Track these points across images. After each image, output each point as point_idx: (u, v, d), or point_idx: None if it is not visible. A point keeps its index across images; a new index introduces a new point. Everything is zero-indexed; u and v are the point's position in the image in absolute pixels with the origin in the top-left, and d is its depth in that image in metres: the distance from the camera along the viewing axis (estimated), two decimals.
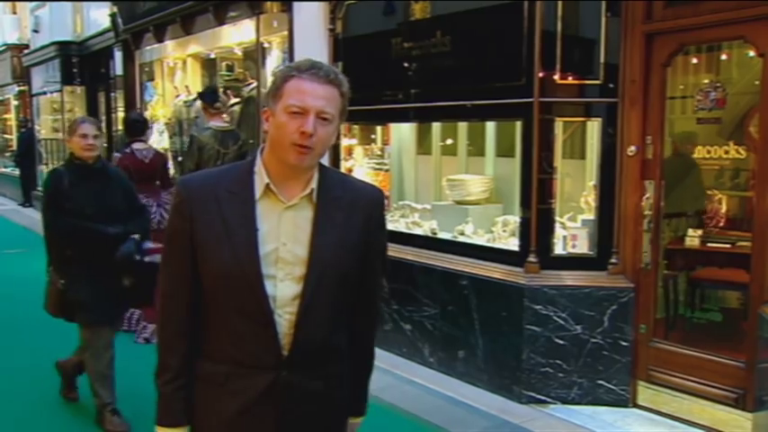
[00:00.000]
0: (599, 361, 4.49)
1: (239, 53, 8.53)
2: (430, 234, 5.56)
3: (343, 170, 6.02)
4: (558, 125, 4.60)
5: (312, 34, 6.27)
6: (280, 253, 1.75)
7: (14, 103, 18.50)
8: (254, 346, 1.75)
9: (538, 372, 4.57)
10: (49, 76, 14.30)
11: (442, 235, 5.49)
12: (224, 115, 7.41)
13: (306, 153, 1.70)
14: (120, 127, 8.18)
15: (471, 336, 4.92)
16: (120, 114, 10.90)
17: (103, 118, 12.85)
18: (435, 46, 5.24)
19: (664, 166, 4.59)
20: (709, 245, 4.70)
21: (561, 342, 4.51)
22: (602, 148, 4.54)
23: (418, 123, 6.16)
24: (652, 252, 4.43)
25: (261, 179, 1.76)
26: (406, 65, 5.50)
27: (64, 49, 13.26)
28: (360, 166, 6.48)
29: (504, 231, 5.13)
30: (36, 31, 14.74)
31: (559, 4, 4.46)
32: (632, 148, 4.41)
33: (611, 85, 4.45)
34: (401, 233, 5.63)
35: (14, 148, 17.96)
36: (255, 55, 7.58)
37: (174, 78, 10.01)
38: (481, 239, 5.27)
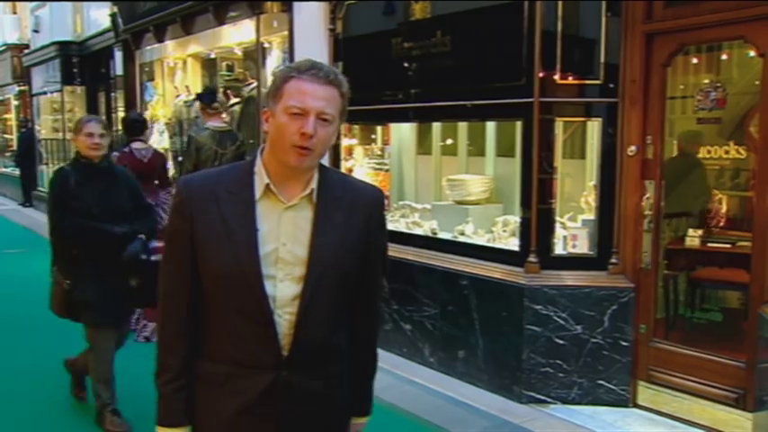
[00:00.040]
0: (599, 361, 4.50)
1: (239, 53, 8.54)
2: (430, 234, 5.56)
3: (343, 170, 6.03)
4: (559, 125, 4.60)
5: (312, 34, 6.27)
6: (279, 253, 1.75)
7: (15, 102, 18.51)
8: (253, 346, 1.75)
9: (538, 372, 4.57)
10: (49, 76, 14.31)
11: (443, 235, 5.49)
12: (224, 115, 7.41)
13: (306, 154, 1.70)
14: (120, 127, 8.19)
15: (471, 336, 4.92)
16: (121, 114, 10.90)
17: (104, 118, 12.86)
18: (435, 46, 5.24)
19: (668, 165, 4.59)
20: (710, 245, 4.70)
21: (561, 342, 4.51)
22: (602, 148, 4.54)
23: (418, 123, 6.16)
24: (652, 252, 4.43)
25: (261, 179, 1.76)
26: (406, 65, 5.50)
27: (64, 48, 13.26)
28: (360, 166, 6.48)
29: (505, 231, 5.14)
30: (36, 31, 14.75)
31: (560, 3, 4.46)
32: (632, 147, 4.41)
33: (612, 85, 4.45)
34: (401, 233, 5.63)
35: (15, 148, 17.97)
36: (256, 55, 7.58)
37: (174, 78, 10.01)
38: (481, 239, 5.27)
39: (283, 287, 1.74)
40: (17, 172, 16.59)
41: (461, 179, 5.71)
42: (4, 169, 18.83)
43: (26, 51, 15.70)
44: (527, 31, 4.53)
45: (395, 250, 5.18)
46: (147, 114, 10.13)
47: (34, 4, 15.06)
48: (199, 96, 7.13)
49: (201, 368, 1.82)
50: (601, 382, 4.51)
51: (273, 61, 7.28)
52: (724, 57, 4.97)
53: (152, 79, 10.45)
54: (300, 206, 1.77)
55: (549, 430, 4.28)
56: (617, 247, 4.52)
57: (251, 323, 1.74)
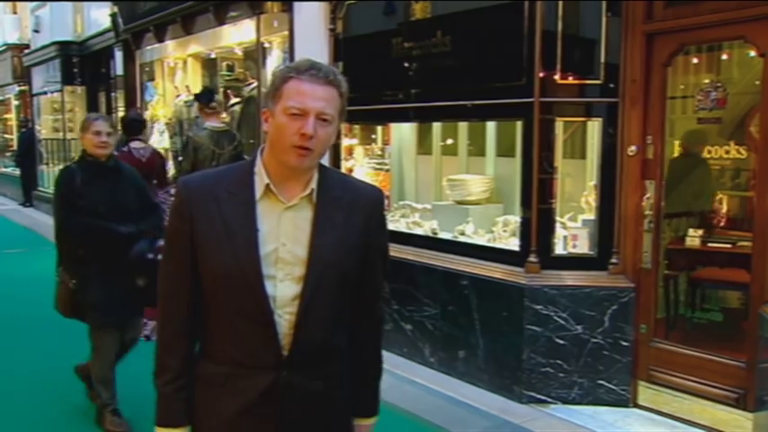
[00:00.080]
0: (599, 361, 4.49)
1: (240, 53, 8.54)
2: (430, 234, 5.56)
3: (343, 170, 6.03)
4: (559, 125, 4.60)
5: (312, 34, 6.27)
6: (279, 253, 1.74)
7: (15, 102, 18.52)
8: (254, 346, 1.75)
9: (538, 372, 4.57)
10: (49, 76, 14.31)
11: (443, 235, 5.49)
12: (223, 115, 7.41)
13: (306, 155, 1.70)
14: (119, 126, 8.21)
15: (472, 336, 4.92)
16: (121, 114, 10.90)
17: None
18: (436, 46, 5.24)
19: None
20: (710, 245, 4.70)
21: (562, 342, 4.51)
22: (602, 148, 4.54)
23: (419, 123, 6.16)
24: (653, 252, 4.43)
25: (261, 180, 1.76)
26: (406, 65, 5.50)
27: (64, 48, 13.27)
28: (360, 165, 6.48)
29: (505, 231, 5.14)
30: (36, 31, 14.75)
31: (560, 3, 4.46)
32: (633, 147, 4.41)
33: (612, 85, 4.45)
34: (402, 233, 5.63)
35: (15, 147, 17.97)
36: (256, 55, 7.59)
37: (174, 78, 10.02)
38: (482, 239, 5.27)
39: (283, 287, 1.74)
40: (17, 172, 16.59)
41: (462, 179, 5.71)
42: (4, 169, 18.84)
43: (26, 51, 15.71)
44: (527, 30, 4.53)
45: (395, 250, 5.18)
46: (148, 114, 10.15)
47: (34, 4, 15.07)
48: (197, 96, 7.14)
49: (202, 368, 1.82)
50: (601, 382, 4.51)
51: (274, 61, 7.28)
52: (724, 57, 4.96)
53: (152, 79, 10.46)
54: (300, 206, 1.77)
55: (550, 430, 4.28)
56: (617, 247, 4.52)
57: (251, 323, 1.74)
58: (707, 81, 4.56)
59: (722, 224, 4.95)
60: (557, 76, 4.51)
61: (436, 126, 6.25)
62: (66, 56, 13.32)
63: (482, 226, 5.39)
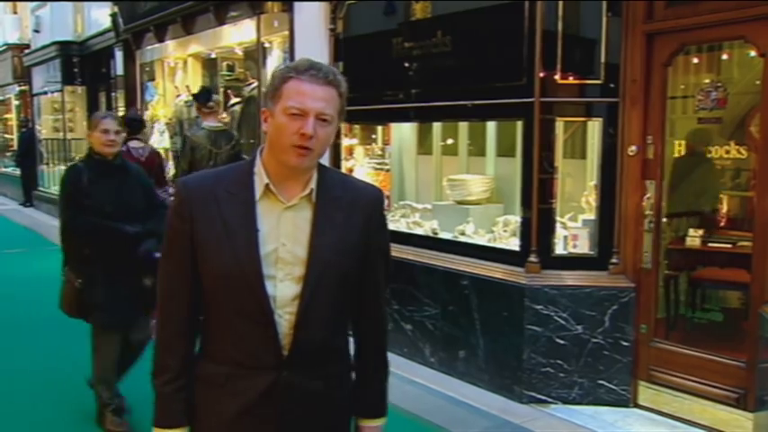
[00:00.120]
0: (600, 361, 4.49)
1: (240, 53, 8.55)
2: (431, 234, 5.56)
3: (343, 170, 6.03)
4: (559, 125, 4.60)
5: (313, 34, 6.28)
6: (279, 253, 1.74)
7: (15, 102, 18.53)
8: (254, 346, 1.75)
9: (539, 372, 4.57)
10: (49, 76, 14.31)
11: (443, 235, 5.49)
12: (223, 114, 7.40)
13: (305, 154, 1.70)
14: None
15: (472, 336, 4.92)
16: (121, 114, 10.91)
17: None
18: (436, 46, 5.24)
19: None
20: (710, 245, 4.70)
21: (562, 342, 4.51)
22: (602, 148, 4.54)
23: (419, 123, 6.16)
24: (653, 252, 4.43)
25: (260, 180, 1.76)
26: (406, 65, 5.50)
27: (65, 48, 13.27)
28: (360, 165, 6.48)
29: (505, 231, 5.13)
30: (37, 31, 14.75)
31: (560, 3, 4.46)
32: (633, 147, 4.41)
33: (612, 85, 4.45)
34: (402, 233, 5.63)
35: (15, 147, 17.98)
36: (256, 55, 7.59)
37: (174, 78, 10.02)
38: (482, 239, 5.27)
39: (283, 287, 1.74)
40: (18, 172, 16.59)
41: (462, 179, 5.71)
42: (4, 169, 18.85)
43: (27, 51, 15.71)
44: (528, 31, 4.53)
45: (395, 250, 5.13)
46: (148, 114, 10.15)
47: (35, 3, 15.07)
48: (194, 96, 7.16)
49: (202, 368, 1.82)
50: (601, 382, 4.51)
51: (274, 61, 7.28)
52: (725, 56, 4.96)
53: (153, 79, 10.46)
54: (300, 206, 1.77)
55: (550, 430, 4.28)
56: (617, 246, 4.52)
57: (251, 323, 1.74)
58: (707, 81, 4.56)
59: (723, 224, 4.95)
60: (557, 76, 4.51)
61: (436, 126, 6.25)
62: (66, 56, 13.32)
63: (482, 226, 5.39)
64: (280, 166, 1.74)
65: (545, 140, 4.55)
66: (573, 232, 4.72)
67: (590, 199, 4.77)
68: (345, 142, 6.37)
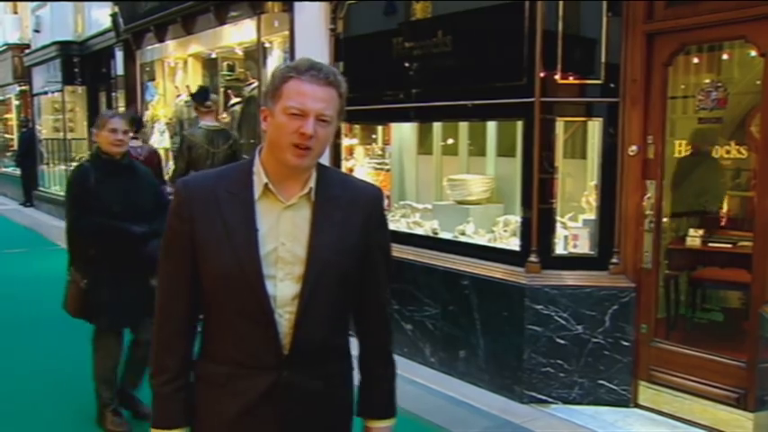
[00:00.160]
0: (600, 361, 4.49)
1: (240, 53, 8.55)
2: (431, 234, 5.56)
3: (344, 170, 6.02)
4: (559, 125, 4.60)
5: (313, 34, 6.28)
6: (279, 253, 1.74)
7: (15, 102, 18.53)
8: (254, 346, 1.75)
9: (539, 372, 4.57)
10: (50, 76, 14.32)
11: (443, 235, 5.49)
12: (224, 114, 7.40)
13: (305, 154, 1.70)
14: None
15: (472, 336, 4.92)
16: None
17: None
18: (436, 46, 5.24)
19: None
20: (711, 245, 4.70)
21: (562, 342, 4.51)
22: (603, 148, 4.54)
23: (419, 123, 6.16)
24: (653, 252, 4.43)
25: (259, 179, 1.76)
26: (407, 65, 5.50)
27: (65, 48, 13.27)
28: (361, 165, 6.48)
29: (505, 231, 5.13)
30: (37, 31, 14.76)
31: (560, 3, 4.46)
32: (633, 147, 4.41)
33: (612, 85, 4.45)
34: (402, 233, 5.63)
35: (15, 147, 17.98)
36: (256, 55, 7.59)
37: (175, 78, 10.02)
38: (482, 239, 5.27)
39: (283, 286, 1.74)
40: (18, 172, 16.60)
41: (462, 179, 5.71)
42: (4, 169, 18.86)
43: (27, 51, 15.71)
44: (528, 30, 4.53)
45: (396, 250, 5.13)
46: (148, 114, 10.15)
47: (35, 3, 15.07)
48: (192, 95, 7.17)
49: (202, 368, 1.82)
50: (602, 381, 4.51)
51: (274, 61, 7.28)
52: (725, 56, 4.96)
53: (153, 79, 10.47)
54: (299, 205, 1.77)
55: (551, 430, 4.28)
56: (618, 246, 4.52)
57: (252, 323, 1.74)
58: (707, 81, 4.56)
59: (723, 224, 4.95)
60: (557, 76, 4.51)
61: (437, 126, 6.25)
62: (66, 56, 13.32)
63: (483, 226, 5.39)
64: (279, 165, 1.74)
65: (545, 140, 4.55)
66: (573, 232, 4.72)
67: (590, 199, 4.77)
68: (345, 142, 6.37)
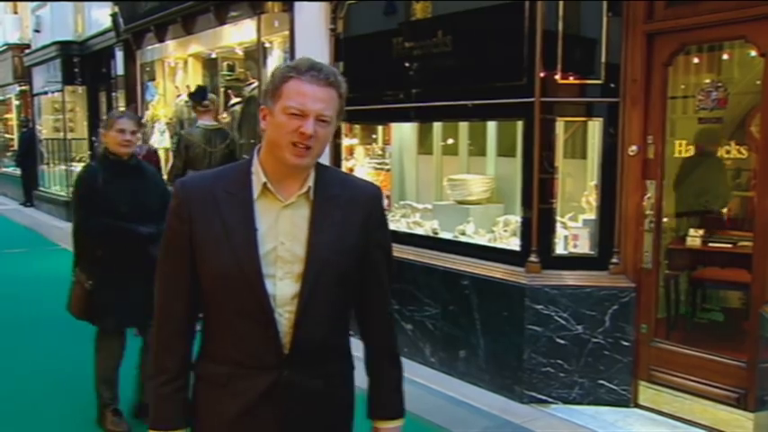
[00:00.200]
0: (600, 361, 4.49)
1: (240, 53, 8.55)
2: (431, 234, 5.56)
3: (344, 170, 6.02)
4: (560, 125, 4.60)
5: (313, 34, 6.27)
6: (278, 252, 1.74)
7: (16, 102, 18.53)
8: (254, 346, 1.75)
9: (539, 372, 4.56)
10: (50, 76, 14.31)
11: (444, 235, 5.49)
12: (224, 114, 7.40)
13: (305, 153, 1.70)
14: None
15: (472, 336, 4.92)
16: None
17: (104, 118, 12.86)
18: (436, 46, 5.24)
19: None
20: (711, 245, 4.70)
21: (562, 342, 4.51)
22: (603, 148, 4.54)
23: (419, 123, 6.16)
24: (653, 252, 4.43)
25: (258, 179, 1.76)
26: (407, 65, 5.50)
27: (65, 48, 13.27)
28: (361, 165, 6.48)
29: (506, 231, 5.13)
30: (37, 31, 14.76)
31: (560, 3, 4.45)
32: (633, 147, 4.41)
33: (613, 85, 4.45)
34: (402, 233, 5.63)
35: (16, 147, 17.98)
36: (257, 55, 7.59)
37: (175, 78, 10.02)
38: (482, 239, 5.27)
39: (283, 285, 1.74)
40: (18, 172, 16.60)
41: (462, 179, 5.71)
42: (5, 169, 18.86)
43: (27, 51, 15.71)
44: (528, 30, 4.53)
45: (396, 250, 5.12)
46: (149, 114, 10.15)
47: (35, 3, 15.07)
48: (189, 95, 7.18)
49: (204, 368, 1.82)
50: (602, 381, 4.51)
51: (274, 61, 7.28)
52: (725, 56, 4.96)
53: (153, 79, 10.46)
54: (298, 204, 1.77)
55: (551, 430, 4.28)
56: (618, 246, 4.52)
57: (251, 323, 1.74)
58: (708, 81, 4.56)
59: (724, 224, 4.95)
60: (557, 76, 4.50)
61: (437, 126, 6.25)
62: (66, 56, 13.32)
63: (483, 226, 5.38)
64: (278, 164, 1.74)
65: (545, 140, 4.55)
66: (573, 232, 4.72)
67: (590, 199, 4.77)
68: (346, 142, 6.37)
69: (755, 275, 3.99)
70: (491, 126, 5.76)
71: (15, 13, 17.43)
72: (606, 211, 4.54)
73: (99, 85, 13.12)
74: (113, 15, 10.73)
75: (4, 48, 17.36)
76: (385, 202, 2.01)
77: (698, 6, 4.12)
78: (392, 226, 5.19)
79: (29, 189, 15.96)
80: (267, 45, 7.35)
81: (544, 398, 4.57)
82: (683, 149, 4.69)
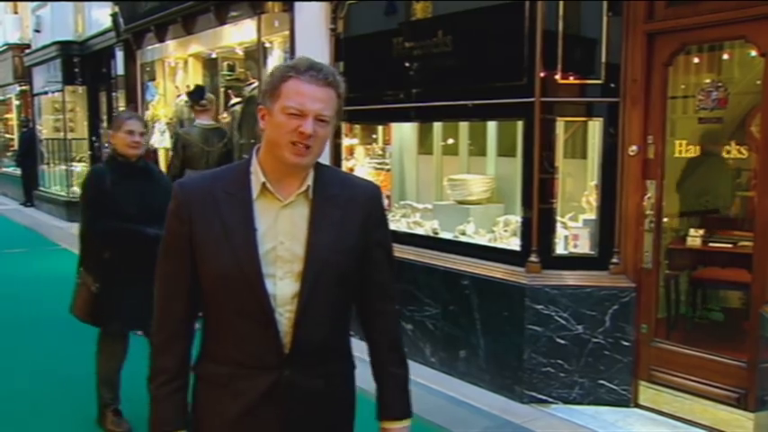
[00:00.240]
0: (600, 361, 4.49)
1: (240, 53, 8.55)
2: (431, 234, 5.56)
3: (344, 170, 6.02)
4: (560, 125, 4.60)
5: (313, 34, 6.27)
6: (278, 251, 1.74)
7: (16, 102, 18.53)
8: (254, 346, 1.75)
9: (539, 372, 4.56)
10: (50, 76, 14.32)
11: (444, 235, 5.49)
12: (224, 114, 7.40)
13: (304, 153, 1.70)
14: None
15: (473, 336, 4.92)
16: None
17: (105, 118, 12.89)
18: (437, 46, 5.24)
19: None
20: (711, 245, 4.70)
21: (563, 342, 4.51)
22: (603, 148, 4.54)
23: (419, 123, 6.16)
24: (653, 252, 4.43)
25: (257, 179, 1.76)
26: (407, 64, 5.50)
27: (65, 48, 13.27)
28: (361, 165, 6.48)
29: (506, 231, 5.13)
30: (37, 31, 14.76)
31: (561, 3, 4.45)
32: (634, 147, 4.41)
33: (613, 85, 4.45)
34: (403, 233, 5.62)
35: (16, 147, 17.99)
36: (257, 55, 7.59)
37: (175, 78, 10.02)
38: (482, 239, 5.27)
39: (283, 285, 1.74)
40: (18, 172, 16.61)
41: (462, 179, 5.71)
42: (5, 169, 18.86)
43: (27, 51, 15.71)
44: (528, 30, 4.53)
45: (396, 250, 5.12)
46: (149, 114, 10.15)
47: (35, 3, 15.07)
48: (188, 94, 7.19)
49: (204, 369, 1.82)
50: (602, 381, 4.51)
51: (275, 61, 7.27)
52: (725, 56, 4.96)
53: (153, 79, 10.46)
54: (297, 203, 1.77)
55: (551, 430, 4.28)
56: (618, 246, 4.52)
57: (252, 323, 1.74)
58: (708, 81, 4.56)
59: (724, 224, 4.95)
60: (557, 76, 4.50)
61: (437, 126, 6.25)
62: (67, 56, 13.32)
63: (483, 226, 5.38)
64: (277, 164, 1.74)
65: (545, 140, 4.55)
66: (573, 232, 4.72)
67: (590, 199, 4.77)
68: (346, 142, 6.37)
69: (756, 275, 3.99)
70: (491, 126, 5.76)
71: (15, 13, 17.43)
72: (606, 211, 4.54)
73: (99, 85, 13.12)
74: (113, 15, 10.73)
75: (5, 48, 17.37)
76: (385, 201, 2.01)
77: (698, 6, 4.12)
78: (392, 226, 5.18)
79: (29, 189, 15.96)
80: (267, 45, 7.35)
81: (544, 398, 4.57)
82: (683, 149, 4.69)
